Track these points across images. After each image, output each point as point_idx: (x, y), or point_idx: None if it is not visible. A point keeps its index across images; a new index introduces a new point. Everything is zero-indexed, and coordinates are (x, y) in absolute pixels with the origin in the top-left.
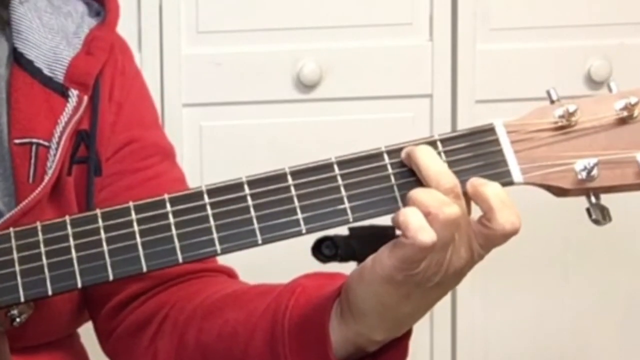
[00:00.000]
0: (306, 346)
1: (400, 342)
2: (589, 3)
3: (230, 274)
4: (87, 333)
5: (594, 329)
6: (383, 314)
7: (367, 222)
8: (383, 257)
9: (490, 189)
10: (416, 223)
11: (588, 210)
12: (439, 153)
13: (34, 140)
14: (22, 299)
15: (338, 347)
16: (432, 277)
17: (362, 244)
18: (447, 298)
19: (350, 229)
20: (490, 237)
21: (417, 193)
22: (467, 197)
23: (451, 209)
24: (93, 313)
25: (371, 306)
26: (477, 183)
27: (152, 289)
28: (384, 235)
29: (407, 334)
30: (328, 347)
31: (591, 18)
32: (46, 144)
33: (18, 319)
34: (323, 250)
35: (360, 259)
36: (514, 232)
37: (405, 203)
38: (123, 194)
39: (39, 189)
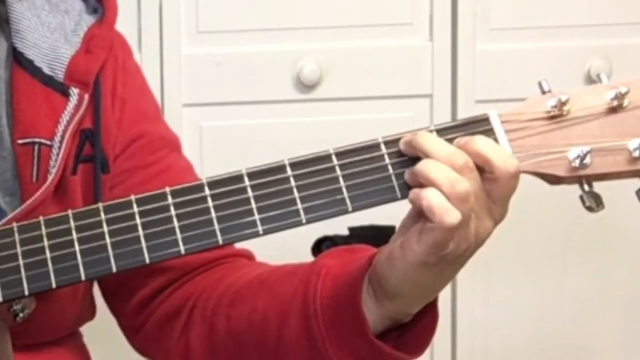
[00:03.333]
0: (343, 327)
1: (431, 308)
2: (589, 3)
3: (248, 256)
4: (89, 332)
5: (594, 322)
6: (419, 293)
7: (366, 222)
8: (412, 244)
9: (478, 142)
10: (439, 206)
11: (581, 197)
12: None
13: (36, 139)
14: (26, 292)
15: (376, 325)
16: (464, 253)
17: (361, 244)
18: (447, 291)
19: (350, 229)
20: (500, 189)
21: (428, 171)
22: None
23: (462, 184)
24: (117, 310)
25: (407, 289)
26: (462, 142)
27: (177, 280)
28: (384, 234)
29: (435, 298)
30: (365, 326)
31: (591, 18)
32: (48, 143)
33: (21, 314)
34: (323, 250)
35: None
36: (517, 171)
37: (413, 181)
38: (137, 189)
39: (43, 188)
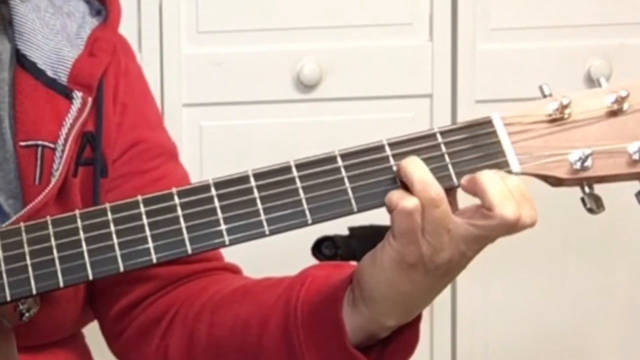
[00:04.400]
0: (321, 335)
1: (412, 327)
2: (589, 3)
3: (235, 270)
4: (91, 333)
5: (594, 321)
6: (394, 300)
7: (366, 222)
8: (390, 240)
9: (488, 181)
10: (395, 197)
11: (582, 199)
12: (439, 144)
13: (40, 142)
14: (34, 292)
15: (351, 335)
16: (446, 264)
17: (362, 244)
18: (447, 290)
19: (350, 229)
20: (495, 231)
21: (406, 168)
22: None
23: (434, 188)
24: (100, 314)
25: (383, 292)
26: (470, 178)
27: (161, 289)
28: (384, 235)
29: (417, 319)
30: (343, 335)
31: (591, 18)
32: (52, 145)
33: (27, 314)
34: (323, 250)
35: (360, 258)
36: (516, 219)
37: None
38: (132, 194)
39: (46, 190)
